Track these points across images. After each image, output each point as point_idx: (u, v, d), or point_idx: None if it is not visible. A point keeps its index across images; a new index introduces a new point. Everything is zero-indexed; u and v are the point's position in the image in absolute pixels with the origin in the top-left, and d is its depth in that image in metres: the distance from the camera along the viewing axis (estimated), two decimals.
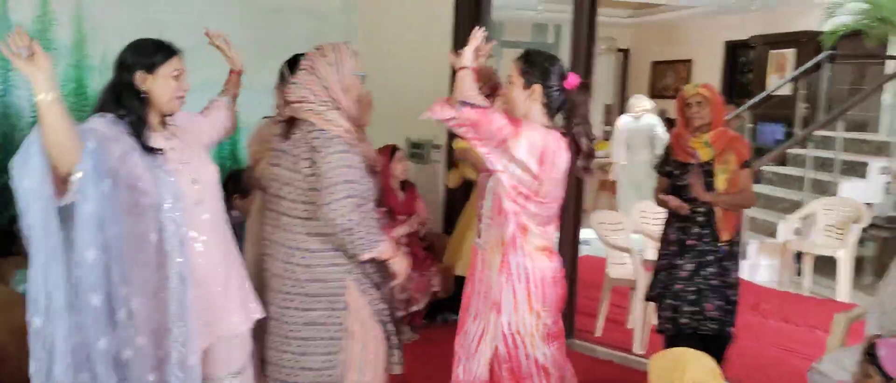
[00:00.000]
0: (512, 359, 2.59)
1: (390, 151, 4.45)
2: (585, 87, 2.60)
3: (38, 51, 1.88)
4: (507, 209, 2.51)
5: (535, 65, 2.55)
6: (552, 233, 2.64)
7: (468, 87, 2.49)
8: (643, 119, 7.52)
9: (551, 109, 2.56)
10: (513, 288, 2.54)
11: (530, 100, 2.54)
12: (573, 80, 2.57)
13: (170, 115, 2.37)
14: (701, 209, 3.41)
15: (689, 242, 3.46)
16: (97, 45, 3.92)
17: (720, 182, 3.35)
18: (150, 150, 2.23)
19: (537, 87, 2.52)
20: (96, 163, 2.02)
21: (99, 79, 3.87)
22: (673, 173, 3.55)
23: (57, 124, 1.91)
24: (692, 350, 2.03)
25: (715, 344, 3.39)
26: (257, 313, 2.58)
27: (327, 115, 2.45)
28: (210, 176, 2.46)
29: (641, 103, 7.60)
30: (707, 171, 3.38)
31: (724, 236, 3.40)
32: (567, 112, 2.59)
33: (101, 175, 2.04)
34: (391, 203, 4.40)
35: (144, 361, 2.19)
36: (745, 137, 3.55)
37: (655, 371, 1.95)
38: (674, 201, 3.49)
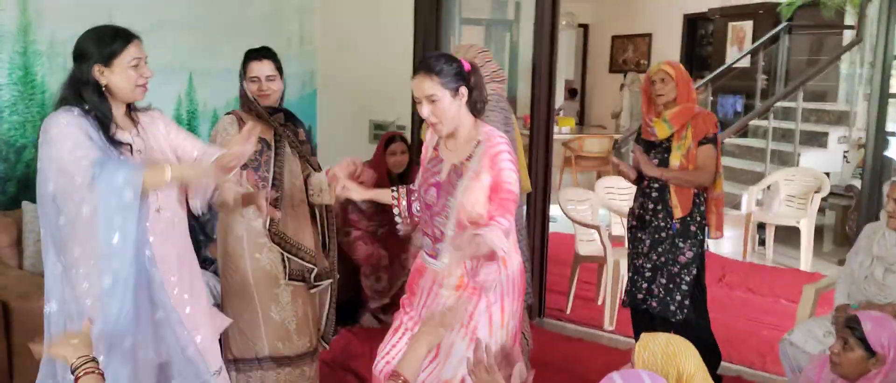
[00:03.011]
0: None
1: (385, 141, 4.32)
2: (476, 68, 2.41)
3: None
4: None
5: (446, 68, 2.33)
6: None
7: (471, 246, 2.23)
8: None
9: (474, 104, 2.39)
10: (490, 312, 2.39)
11: (461, 106, 2.36)
12: (466, 63, 2.39)
13: (135, 109, 2.31)
14: (655, 184, 3.37)
15: (647, 217, 3.43)
16: (44, 30, 3.76)
17: (675, 158, 3.28)
18: (116, 144, 2.17)
19: (462, 88, 2.35)
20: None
21: (47, 65, 3.72)
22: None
23: None
24: (677, 337, 1.97)
25: (671, 326, 3.31)
26: (224, 322, 2.60)
27: None
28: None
29: None
30: (666, 148, 3.33)
31: (677, 213, 3.33)
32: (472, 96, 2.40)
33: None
34: None
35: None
36: (711, 113, 3.42)
37: (648, 359, 1.88)
38: (622, 165, 3.51)
